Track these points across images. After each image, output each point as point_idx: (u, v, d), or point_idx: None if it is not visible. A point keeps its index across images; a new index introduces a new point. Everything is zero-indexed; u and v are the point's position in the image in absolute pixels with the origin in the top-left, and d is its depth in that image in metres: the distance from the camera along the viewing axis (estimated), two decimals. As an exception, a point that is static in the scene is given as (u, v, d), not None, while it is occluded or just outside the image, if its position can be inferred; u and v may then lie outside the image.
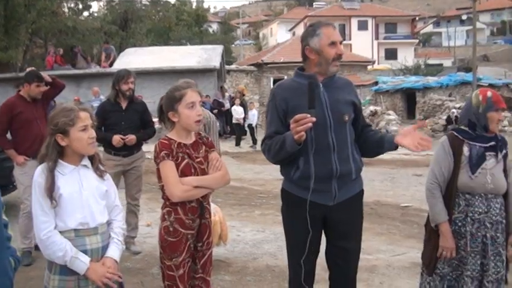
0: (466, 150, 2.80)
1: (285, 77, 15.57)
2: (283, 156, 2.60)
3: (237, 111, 15.52)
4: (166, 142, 2.63)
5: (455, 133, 2.87)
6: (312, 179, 2.59)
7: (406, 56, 43.21)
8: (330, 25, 2.68)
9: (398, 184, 8.94)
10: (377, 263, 4.65)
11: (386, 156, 11.90)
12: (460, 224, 2.79)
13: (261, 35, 68.61)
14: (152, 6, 32.72)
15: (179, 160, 2.61)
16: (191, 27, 38.44)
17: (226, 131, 16.87)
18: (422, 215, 5.69)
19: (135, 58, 18.92)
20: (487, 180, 2.73)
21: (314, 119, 2.38)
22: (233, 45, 55.28)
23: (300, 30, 45.67)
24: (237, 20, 67.86)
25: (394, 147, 2.59)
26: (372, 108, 19.64)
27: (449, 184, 2.82)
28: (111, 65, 18.97)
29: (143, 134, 4.95)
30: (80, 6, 26.37)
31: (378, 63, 45.35)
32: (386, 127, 15.97)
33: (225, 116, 16.95)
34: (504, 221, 2.78)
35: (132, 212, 5.03)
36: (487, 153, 2.77)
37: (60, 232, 2.27)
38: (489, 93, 2.83)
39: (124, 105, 4.84)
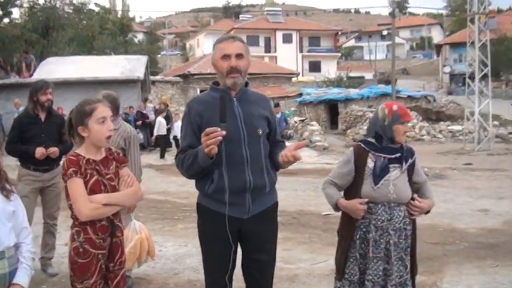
0: (370, 161, 2.90)
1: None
2: (196, 170, 2.59)
3: (162, 123, 15.31)
4: (75, 158, 2.53)
5: (362, 144, 2.98)
6: (226, 193, 2.60)
7: (329, 69, 44.82)
8: (230, 39, 2.71)
9: (320, 193, 9.00)
10: (298, 272, 4.72)
11: (309, 165, 12.35)
12: (364, 229, 2.89)
13: (187, 45, 68.37)
14: (75, 14, 31.52)
15: (88, 177, 2.52)
16: (116, 37, 37.38)
17: (151, 143, 16.53)
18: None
19: (56, 68, 18.17)
20: (389, 191, 2.84)
21: (224, 133, 2.39)
22: (159, 56, 54.54)
23: (227, 41, 45.89)
24: (163, 30, 67.14)
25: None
26: (296, 119, 20.21)
27: (353, 193, 2.92)
28: (31, 75, 18.09)
29: (64, 148, 4.74)
30: (0, 12, 24.92)
31: (302, 75, 46.75)
32: (309, 137, 16.40)
33: (149, 127, 16.63)
34: (408, 227, 2.90)
35: (49, 232, 4.78)
36: (391, 165, 2.88)
37: None
38: (395, 107, 2.93)
39: (43, 117, 4.63)
